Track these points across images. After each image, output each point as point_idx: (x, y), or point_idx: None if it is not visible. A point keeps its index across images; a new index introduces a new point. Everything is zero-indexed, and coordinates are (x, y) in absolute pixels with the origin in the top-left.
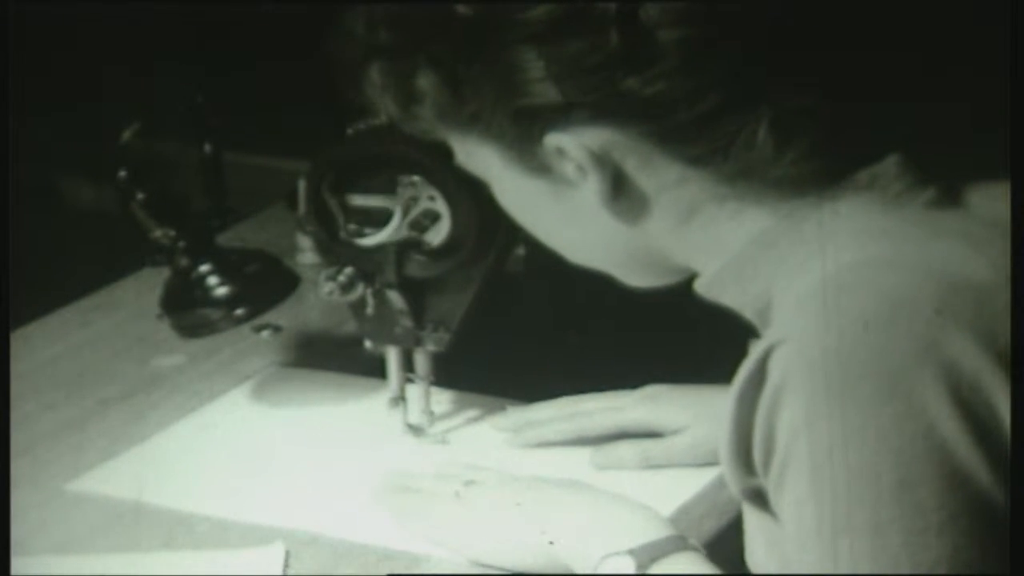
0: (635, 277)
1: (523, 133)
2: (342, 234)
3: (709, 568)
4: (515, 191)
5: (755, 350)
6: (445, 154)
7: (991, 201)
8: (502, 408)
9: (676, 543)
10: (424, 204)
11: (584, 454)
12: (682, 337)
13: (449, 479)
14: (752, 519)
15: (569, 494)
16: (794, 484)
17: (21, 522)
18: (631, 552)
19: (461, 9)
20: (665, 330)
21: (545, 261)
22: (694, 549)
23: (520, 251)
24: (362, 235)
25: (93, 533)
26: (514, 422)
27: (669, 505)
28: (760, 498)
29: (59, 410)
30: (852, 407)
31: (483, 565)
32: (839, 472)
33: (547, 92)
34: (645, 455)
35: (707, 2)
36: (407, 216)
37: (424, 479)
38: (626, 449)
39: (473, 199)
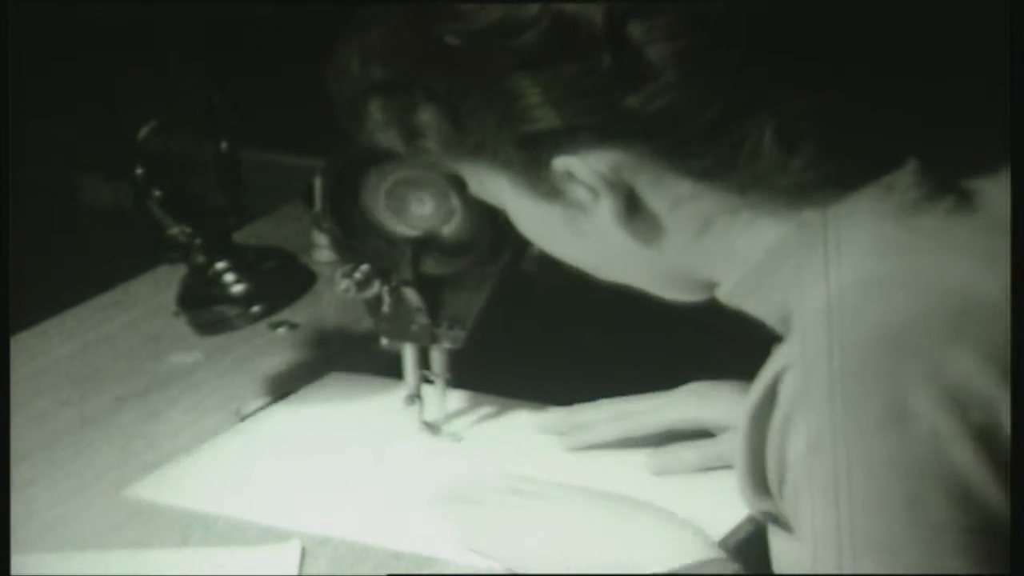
0: (666, 291)
1: (530, 159)
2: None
3: None
4: (531, 217)
5: (767, 370)
6: None
7: (1007, 197)
8: (518, 407)
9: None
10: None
11: (632, 457)
12: (698, 336)
13: (511, 491)
14: (771, 535)
15: (630, 511)
16: (808, 510)
17: (37, 519)
18: None
19: (450, 39)
20: (682, 330)
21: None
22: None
23: (536, 249)
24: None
25: (109, 530)
26: (560, 425)
27: (730, 516)
28: (773, 517)
29: (75, 407)
30: (860, 432)
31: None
32: (852, 496)
33: (548, 117)
34: (703, 457)
35: (692, 13)
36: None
37: (486, 490)
38: (685, 451)
39: None
